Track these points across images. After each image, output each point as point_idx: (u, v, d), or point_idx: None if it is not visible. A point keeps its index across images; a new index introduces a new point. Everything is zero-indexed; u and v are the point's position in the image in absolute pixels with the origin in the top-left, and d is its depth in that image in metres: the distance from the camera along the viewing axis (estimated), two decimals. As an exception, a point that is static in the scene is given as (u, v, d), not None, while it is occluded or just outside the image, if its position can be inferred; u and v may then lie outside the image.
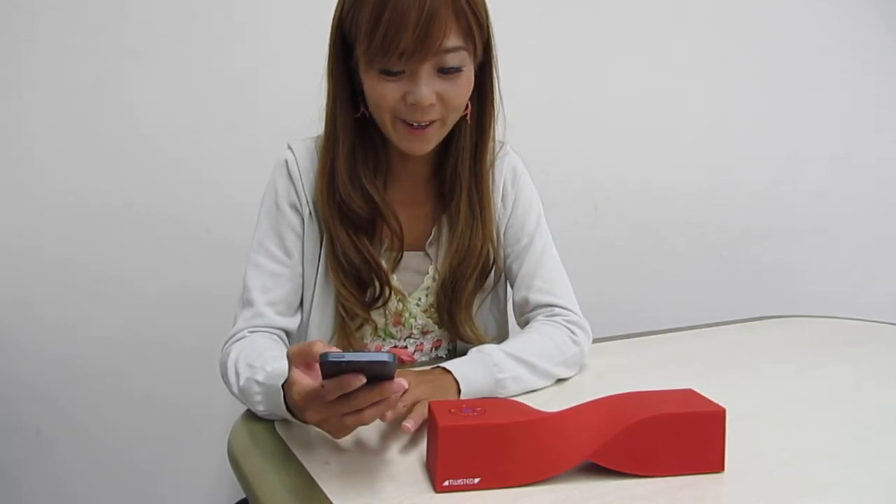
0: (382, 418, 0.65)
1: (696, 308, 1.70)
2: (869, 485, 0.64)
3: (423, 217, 1.00)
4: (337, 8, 0.87)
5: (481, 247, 0.97)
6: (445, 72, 0.83)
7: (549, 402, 0.78)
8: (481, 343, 0.92)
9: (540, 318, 0.99)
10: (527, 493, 0.61)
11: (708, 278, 1.88)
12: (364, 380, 0.58)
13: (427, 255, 1.00)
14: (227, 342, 0.90)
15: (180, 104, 1.45)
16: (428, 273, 1.00)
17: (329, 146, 0.92)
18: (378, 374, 0.59)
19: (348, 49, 0.88)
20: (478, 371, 0.83)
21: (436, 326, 1.03)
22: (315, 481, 0.63)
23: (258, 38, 1.47)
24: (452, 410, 0.63)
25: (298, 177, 0.95)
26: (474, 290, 0.99)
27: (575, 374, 0.96)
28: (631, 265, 1.82)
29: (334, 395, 0.60)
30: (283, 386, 0.69)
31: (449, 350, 1.06)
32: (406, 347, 1.02)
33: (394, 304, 0.98)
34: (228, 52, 1.46)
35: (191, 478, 1.56)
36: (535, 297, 1.00)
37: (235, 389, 0.82)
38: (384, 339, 1.01)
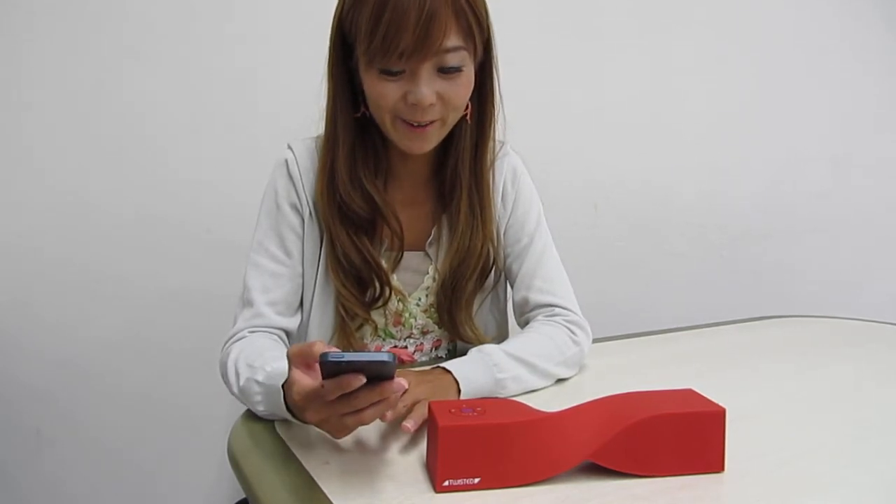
0: (382, 418, 0.65)
1: (696, 308, 1.70)
2: (869, 485, 0.64)
3: (423, 217, 1.00)
4: (337, 8, 0.87)
5: (481, 247, 0.97)
6: (446, 71, 0.83)
7: (549, 402, 0.78)
8: (481, 343, 0.92)
9: (540, 318, 0.99)
10: (527, 493, 0.61)
11: (708, 278, 1.88)
12: (364, 380, 0.58)
13: (427, 255, 1.00)
14: (227, 342, 0.90)
15: (180, 104, 1.45)
16: (428, 273, 1.00)
17: (329, 146, 0.92)
18: (378, 374, 0.59)
19: (348, 49, 0.88)
20: (478, 371, 0.83)
21: (436, 326, 1.03)
22: (315, 481, 0.63)
23: (258, 38, 1.47)
24: (452, 410, 0.63)
25: (298, 177, 0.95)
26: (474, 290, 0.99)
27: (575, 374, 0.96)
28: (631, 265, 1.82)
29: (334, 395, 0.60)
30: (283, 386, 0.69)
31: (449, 350, 1.06)
32: (406, 347, 1.02)
33: (394, 304, 0.98)
34: (228, 52, 1.46)
35: (191, 478, 1.56)
36: (535, 297, 1.00)
37: (235, 389, 0.82)
38: (384, 339, 1.01)
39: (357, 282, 0.94)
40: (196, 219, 1.48)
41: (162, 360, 1.50)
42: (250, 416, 0.80)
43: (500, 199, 1.02)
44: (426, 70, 0.82)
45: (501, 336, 1.06)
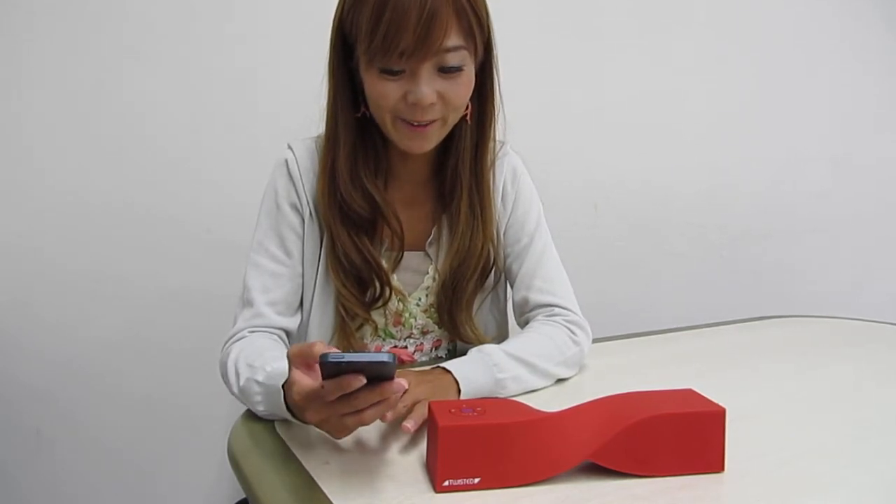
0: (382, 419, 0.65)
1: (696, 308, 1.70)
2: (869, 485, 0.64)
3: (423, 217, 1.00)
4: (337, 8, 0.87)
5: (482, 247, 0.97)
6: (446, 71, 0.83)
7: (549, 402, 0.78)
8: (481, 343, 0.92)
9: (540, 318, 0.99)
10: (527, 493, 0.61)
11: (708, 278, 1.88)
12: (364, 380, 0.58)
13: (427, 255, 1.00)
14: (227, 342, 0.90)
15: (180, 104, 1.45)
16: (428, 273, 1.00)
17: (330, 146, 0.92)
18: (378, 375, 0.59)
19: (349, 49, 0.88)
20: (478, 371, 0.83)
21: (436, 326, 1.03)
22: (315, 481, 0.63)
23: (258, 38, 1.47)
24: (452, 410, 0.63)
25: (299, 177, 0.95)
26: (475, 290, 0.99)
27: (575, 374, 0.96)
28: (631, 265, 1.82)
29: (334, 395, 0.60)
30: (283, 386, 0.69)
31: (449, 350, 1.06)
32: (406, 347, 1.02)
33: (394, 304, 0.98)
34: (228, 52, 1.46)
35: (191, 478, 1.56)
36: (535, 297, 1.00)
37: (235, 389, 0.82)
38: (384, 339, 1.01)
39: (357, 282, 0.94)
40: (196, 219, 1.48)
41: (162, 360, 1.50)
42: (250, 416, 0.80)
43: (500, 199, 1.02)
44: (426, 69, 0.82)
45: (501, 336, 1.06)
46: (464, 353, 0.88)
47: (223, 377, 0.86)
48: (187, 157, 1.46)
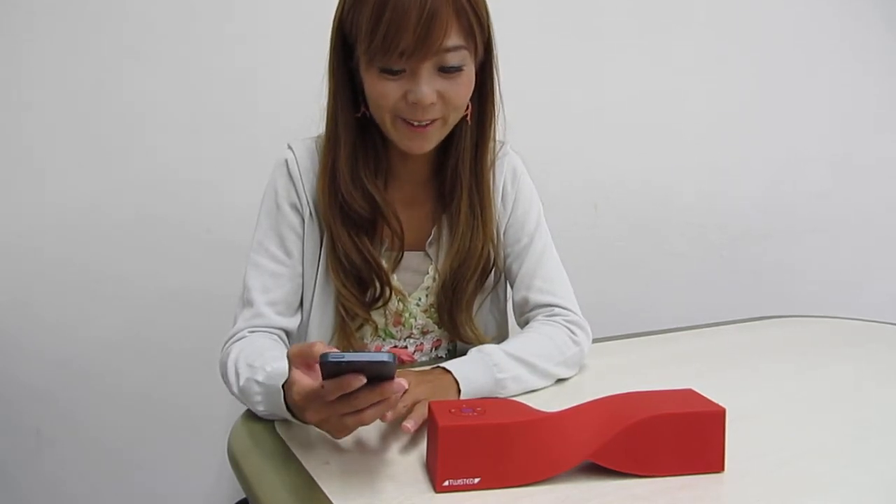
0: (382, 419, 0.65)
1: (696, 308, 1.70)
2: (869, 485, 0.64)
3: (423, 217, 1.00)
4: (337, 8, 0.87)
5: (482, 247, 0.97)
6: (446, 71, 0.83)
7: (549, 402, 0.78)
8: (481, 343, 0.92)
9: (540, 318, 0.99)
10: (527, 493, 0.61)
11: (708, 278, 1.88)
12: (364, 380, 0.58)
13: (427, 255, 1.00)
14: (227, 342, 0.90)
15: (180, 104, 1.45)
16: (428, 273, 1.00)
17: (330, 146, 0.92)
18: (378, 375, 0.59)
19: (349, 49, 0.88)
20: (478, 371, 0.83)
21: (436, 326, 1.03)
22: (315, 481, 0.63)
23: (258, 38, 1.47)
24: (452, 410, 0.63)
25: (299, 177, 0.95)
26: (475, 290, 0.99)
27: (575, 374, 0.96)
28: (631, 265, 1.82)
29: (334, 395, 0.60)
30: (283, 386, 0.69)
31: (449, 350, 1.06)
32: (406, 347, 1.02)
33: (394, 304, 0.98)
34: (228, 52, 1.46)
35: (191, 478, 1.56)
36: (535, 297, 1.00)
37: (235, 389, 0.82)
38: (384, 339, 1.01)
39: (357, 282, 0.94)
40: (196, 219, 1.48)
41: (162, 360, 1.50)
42: (250, 416, 0.80)
43: (500, 199, 1.02)
44: (427, 69, 0.82)
45: (501, 336, 1.06)
46: (464, 353, 0.88)
47: (223, 377, 0.86)
48: (187, 157, 1.46)
